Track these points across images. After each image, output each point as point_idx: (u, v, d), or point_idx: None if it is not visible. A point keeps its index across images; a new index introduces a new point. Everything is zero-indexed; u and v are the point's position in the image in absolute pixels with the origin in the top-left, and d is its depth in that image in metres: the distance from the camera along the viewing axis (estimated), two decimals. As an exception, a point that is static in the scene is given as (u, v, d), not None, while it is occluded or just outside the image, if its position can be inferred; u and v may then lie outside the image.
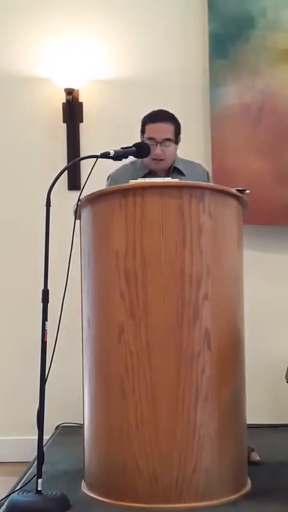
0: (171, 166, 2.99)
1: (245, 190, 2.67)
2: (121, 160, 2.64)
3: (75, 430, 3.30)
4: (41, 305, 2.46)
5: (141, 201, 2.43)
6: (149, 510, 2.32)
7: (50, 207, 2.50)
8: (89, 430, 2.57)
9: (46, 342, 2.42)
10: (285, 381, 3.29)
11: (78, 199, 2.60)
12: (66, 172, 3.47)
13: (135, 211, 2.43)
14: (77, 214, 2.68)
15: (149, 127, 2.92)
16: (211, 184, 2.89)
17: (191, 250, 2.41)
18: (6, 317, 3.97)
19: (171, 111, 2.97)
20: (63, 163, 3.83)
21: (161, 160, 2.92)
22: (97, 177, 2.57)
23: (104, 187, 2.60)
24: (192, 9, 4.04)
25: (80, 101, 4.04)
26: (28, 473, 2.83)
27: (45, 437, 2.57)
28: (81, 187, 2.57)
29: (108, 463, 2.45)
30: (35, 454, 2.44)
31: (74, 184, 3.96)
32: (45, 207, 2.49)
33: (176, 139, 2.95)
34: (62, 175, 2.54)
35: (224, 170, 3.83)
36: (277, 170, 3.92)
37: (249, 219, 2.81)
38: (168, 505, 2.33)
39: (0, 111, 4.06)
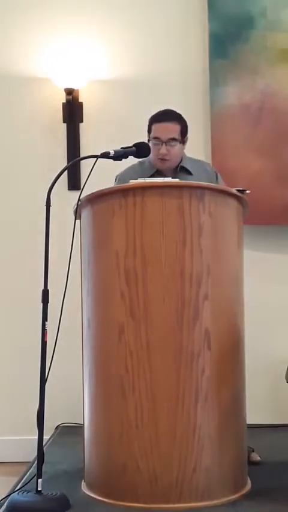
0: (178, 166, 2.99)
1: (245, 190, 2.67)
2: (121, 160, 2.64)
3: (75, 430, 3.30)
4: (41, 305, 2.46)
5: (141, 201, 2.43)
6: (149, 510, 2.32)
7: (50, 207, 2.50)
8: (89, 430, 2.57)
9: (46, 342, 2.42)
10: (285, 381, 3.29)
11: (78, 199, 2.60)
12: (66, 172, 3.47)
13: (135, 211, 2.43)
14: (77, 214, 2.68)
15: (155, 126, 2.92)
16: (211, 184, 2.88)
17: (191, 250, 2.41)
18: (6, 317, 3.97)
19: (172, 111, 2.98)
20: (63, 163, 3.83)
21: (167, 160, 2.92)
22: (97, 177, 2.57)
23: (104, 187, 2.60)
24: (192, 9, 4.04)
25: (80, 101, 4.04)
26: (28, 473, 2.83)
27: (45, 437, 2.57)
28: (81, 187, 2.57)
29: (108, 463, 2.45)
30: (35, 454, 2.44)
31: (74, 184, 3.96)
32: (45, 207, 2.49)
33: (183, 139, 2.95)
34: (62, 175, 2.54)
35: (224, 170, 3.80)
36: (277, 170, 3.92)
37: (249, 219, 2.81)
38: (168, 505, 2.33)
39: (0, 111, 4.06)
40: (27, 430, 3.10)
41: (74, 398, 2.92)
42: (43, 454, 2.40)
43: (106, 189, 2.57)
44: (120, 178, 3.04)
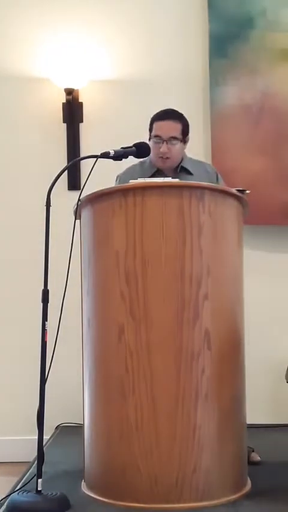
0: (178, 166, 2.99)
1: (245, 190, 2.67)
2: (121, 160, 2.64)
3: (75, 430, 3.30)
4: (41, 305, 2.46)
5: (141, 201, 2.43)
6: (149, 510, 2.32)
7: (50, 207, 2.50)
8: (89, 430, 2.57)
9: (46, 342, 2.42)
10: (285, 381, 3.29)
11: (78, 199, 2.60)
12: (66, 172, 3.47)
13: (135, 211, 2.43)
14: (77, 214, 2.68)
15: (156, 124, 2.92)
16: (211, 184, 2.88)
17: (191, 250, 2.41)
18: (6, 317, 3.97)
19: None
20: (63, 163, 3.83)
21: (167, 158, 2.92)
22: (97, 177, 2.57)
23: (104, 187, 2.60)
24: (192, 9, 4.05)
25: (80, 101, 4.04)
26: (28, 473, 2.83)
27: (45, 437, 2.57)
28: (81, 187, 2.57)
29: (108, 463, 2.45)
30: (35, 454, 2.44)
31: (74, 184, 3.96)
32: (45, 207, 2.49)
33: (184, 139, 2.95)
34: (62, 175, 2.54)
35: (224, 170, 3.80)
36: (277, 170, 3.92)
37: (249, 219, 2.81)
38: (168, 505, 2.33)
39: (0, 111, 4.06)
40: (27, 430, 3.10)
41: (74, 398, 2.92)
42: (43, 454, 2.40)
43: (106, 189, 2.57)
44: (121, 178, 3.04)
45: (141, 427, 2.36)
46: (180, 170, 2.99)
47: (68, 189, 3.95)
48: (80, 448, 2.66)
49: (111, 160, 2.61)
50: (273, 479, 2.74)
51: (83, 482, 2.60)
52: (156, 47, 4.04)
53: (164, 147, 2.89)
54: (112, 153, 2.58)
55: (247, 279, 2.70)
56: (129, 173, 3.01)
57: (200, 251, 2.43)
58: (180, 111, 2.97)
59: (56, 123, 4.04)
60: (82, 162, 3.70)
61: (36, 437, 2.41)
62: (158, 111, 2.98)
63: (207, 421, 2.39)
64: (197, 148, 3.82)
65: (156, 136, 2.90)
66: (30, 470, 2.86)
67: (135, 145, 2.66)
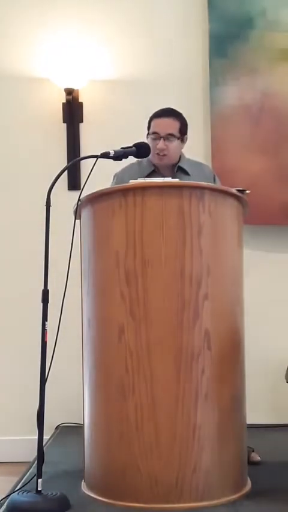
0: (176, 165, 2.99)
1: (245, 190, 2.67)
2: (121, 160, 2.64)
3: (75, 430, 3.31)
4: (41, 305, 2.46)
5: (141, 201, 2.43)
6: (149, 510, 2.32)
7: (50, 207, 2.50)
8: (89, 430, 2.57)
9: (46, 342, 2.42)
10: (285, 381, 3.29)
11: (78, 199, 2.60)
12: (66, 172, 3.48)
13: (135, 211, 2.43)
14: (77, 214, 2.68)
15: (154, 122, 2.93)
16: (211, 184, 2.89)
17: (191, 250, 2.41)
18: (6, 317, 3.97)
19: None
20: (63, 163, 3.83)
21: (164, 155, 2.92)
22: (97, 177, 2.57)
23: (104, 187, 2.60)
24: (192, 9, 4.05)
25: (80, 101, 4.04)
26: (28, 473, 2.83)
27: (45, 437, 2.57)
28: (81, 187, 2.57)
29: (108, 463, 2.45)
30: (35, 454, 2.44)
31: (74, 184, 3.96)
32: (45, 207, 2.49)
33: (182, 138, 2.95)
34: (62, 175, 2.54)
35: (224, 170, 3.82)
36: (277, 170, 3.92)
37: (249, 219, 2.81)
38: (168, 505, 2.33)
39: (0, 111, 4.06)
40: (27, 430, 3.10)
41: (74, 398, 2.92)
42: (43, 454, 2.40)
43: (106, 189, 2.57)
44: (119, 176, 3.04)
45: (141, 427, 2.36)
46: (178, 170, 2.99)
47: (68, 189, 3.95)
48: (80, 448, 2.66)
49: (111, 160, 2.61)
50: (273, 479, 2.74)
51: (83, 482, 2.60)
52: (156, 47, 4.04)
53: (161, 144, 2.89)
54: (112, 153, 2.58)
55: (247, 279, 2.70)
56: (127, 172, 3.01)
57: (200, 251, 2.42)
58: (180, 111, 2.98)
59: (56, 123, 4.04)
60: (82, 162, 3.70)
61: (36, 437, 2.41)
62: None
63: (207, 421, 2.39)
64: (197, 148, 3.83)
65: (154, 133, 2.91)
66: (30, 470, 2.86)
67: (135, 145, 2.66)
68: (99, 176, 2.64)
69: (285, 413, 3.83)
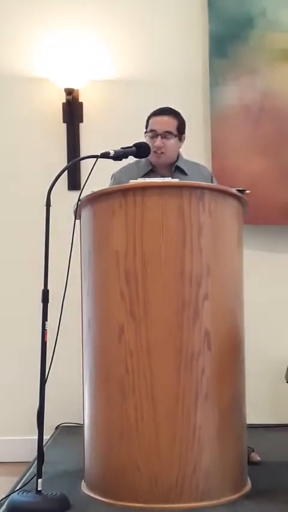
0: (173, 165, 2.99)
1: (245, 190, 2.67)
2: (121, 160, 2.65)
3: (75, 430, 3.31)
4: (41, 305, 2.45)
5: (141, 201, 2.43)
6: (149, 510, 2.32)
7: (50, 207, 2.50)
8: (89, 430, 2.57)
9: (46, 342, 2.42)
10: (285, 381, 3.29)
11: (78, 199, 2.60)
12: (66, 172, 3.48)
13: (135, 211, 2.43)
14: (77, 214, 2.68)
15: (152, 120, 2.94)
16: (211, 184, 2.89)
17: (191, 250, 2.41)
18: (7, 317, 3.97)
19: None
20: (63, 163, 3.83)
21: (161, 153, 2.92)
22: (97, 177, 2.57)
23: (104, 187, 2.60)
24: (192, 9, 4.05)
25: (80, 101, 4.04)
26: (28, 473, 2.83)
27: (45, 437, 2.57)
28: (81, 187, 2.57)
29: (108, 463, 2.45)
30: (35, 454, 2.44)
31: (74, 184, 3.96)
32: (45, 207, 2.49)
33: (180, 136, 2.95)
34: (62, 175, 2.54)
35: (224, 170, 3.82)
36: (277, 170, 3.92)
37: (249, 219, 2.81)
38: (168, 505, 2.33)
39: (0, 111, 4.06)
40: (27, 430, 3.10)
41: (74, 398, 2.92)
42: (43, 454, 2.40)
43: (106, 189, 2.57)
44: (116, 176, 3.04)
45: (141, 427, 2.36)
46: (175, 170, 2.99)
47: (68, 189, 3.95)
48: (80, 448, 2.66)
49: (111, 160, 2.61)
50: (273, 479, 2.74)
51: (83, 482, 2.61)
52: (157, 47, 4.04)
53: (158, 141, 2.89)
54: (112, 153, 2.58)
55: (247, 279, 2.70)
56: (124, 172, 3.01)
57: (200, 251, 2.42)
58: (180, 111, 2.98)
59: (56, 123, 4.04)
60: (82, 162, 3.70)
61: (36, 437, 2.41)
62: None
63: (207, 421, 2.39)
64: (197, 148, 3.83)
65: (151, 131, 2.91)
66: (30, 470, 2.86)
67: (135, 145, 2.66)
68: (99, 176, 2.64)
69: (285, 413, 3.83)
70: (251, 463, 2.81)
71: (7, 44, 4.07)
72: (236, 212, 2.61)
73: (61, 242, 2.62)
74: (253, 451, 2.96)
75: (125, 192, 2.46)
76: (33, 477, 2.49)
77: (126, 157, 2.65)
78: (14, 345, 3.93)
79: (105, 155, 2.57)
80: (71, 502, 2.37)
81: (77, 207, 2.65)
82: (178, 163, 3.00)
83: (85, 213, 2.63)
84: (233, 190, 2.58)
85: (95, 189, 2.53)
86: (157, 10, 4.05)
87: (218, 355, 2.43)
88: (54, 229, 2.54)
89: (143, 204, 2.43)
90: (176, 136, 2.93)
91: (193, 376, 2.38)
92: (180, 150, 3.04)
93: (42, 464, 2.38)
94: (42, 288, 2.47)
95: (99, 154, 2.55)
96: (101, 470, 2.48)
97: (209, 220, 2.46)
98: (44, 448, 2.50)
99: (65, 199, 3.25)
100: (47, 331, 2.43)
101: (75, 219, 2.67)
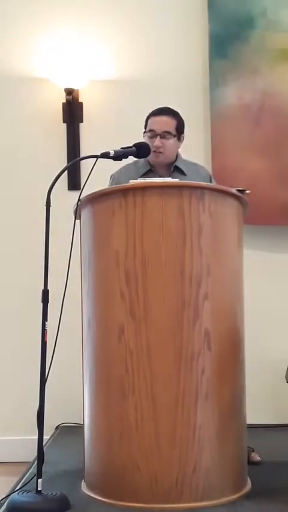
0: (172, 165, 2.99)
1: (245, 190, 2.67)
2: (121, 160, 2.65)
3: (75, 430, 3.31)
4: (41, 305, 2.45)
5: (141, 201, 2.43)
6: (149, 510, 2.32)
7: (50, 207, 2.50)
8: (89, 430, 2.57)
9: (46, 342, 2.42)
10: (285, 381, 3.29)
11: (78, 199, 2.60)
12: (66, 172, 3.48)
13: (135, 211, 2.43)
14: (77, 214, 2.68)
15: (151, 120, 2.94)
16: (211, 184, 2.89)
17: (191, 250, 2.41)
18: (7, 317, 3.97)
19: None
20: (63, 163, 3.84)
21: (160, 153, 2.92)
22: (97, 177, 2.57)
23: (104, 187, 2.60)
24: (192, 9, 4.05)
25: (80, 101, 4.04)
26: (28, 473, 2.83)
27: (45, 437, 2.57)
28: (81, 187, 2.57)
29: (108, 463, 2.45)
30: (35, 454, 2.44)
31: (74, 184, 3.96)
32: (45, 207, 2.49)
33: (179, 136, 2.95)
34: (62, 175, 2.54)
35: (224, 170, 3.82)
36: (277, 170, 3.92)
37: (249, 219, 2.81)
38: (168, 505, 2.33)
39: (0, 111, 4.06)
40: (27, 430, 3.10)
41: (74, 398, 2.92)
42: (43, 454, 2.40)
43: (106, 189, 2.57)
44: (115, 177, 3.04)
45: (141, 427, 2.36)
46: (174, 170, 2.99)
47: (68, 189, 3.95)
48: (80, 448, 2.66)
49: (111, 160, 2.61)
50: (273, 479, 2.74)
51: (83, 482, 2.61)
52: (157, 47, 4.04)
53: (157, 141, 2.89)
54: (112, 153, 2.58)
55: (247, 279, 2.70)
56: (123, 173, 3.01)
57: (200, 251, 2.42)
58: (180, 111, 2.98)
59: (56, 123, 4.04)
60: (82, 162, 3.70)
61: (36, 437, 2.41)
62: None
63: (207, 421, 2.39)
64: (197, 148, 3.83)
65: (150, 130, 2.91)
66: (30, 470, 2.86)
67: (135, 145, 2.66)
68: (99, 176, 2.64)
69: (285, 413, 3.83)
70: (251, 463, 2.81)
71: (7, 44, 4.07)
72: (236, 212, 2.61)
73: (61, 242, 2.62)
74: (253, 451, 2.96)
75: (125, 192, 2.46)
76: (33, 477, 2.49)
77: (126, 157, 2.65)
78: (14, 345, 3.93)
79: (105, 155, 2.57)
80: (71, 502, 2.37)
81: (77, 207, 2.65)
82: (177, 164, 3.00)
83: (85, 213, 2.63)
84: (233, 191, 2.58)
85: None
86: (157, 10, 4.05)
87: (218, 355, 2.43)
88: (54, 229, 2.55)
89: (143, 204, 2.43)
90: (174, 136, 2.93)
91: (193, 376, 2.38)
92: (180, 150, 3.04)
93: (42, 464, 2.38)
94: (42, 288, 2.47)
95: (99, 154, 2.55)
96: (101, 470, 2.48)
97: (209, 220, 2.46)
98: (44, 448, 2.50)
99: (65, 199, 3.25)
100: (47, 331, 2.43)
101: (75, 219, 2.67)
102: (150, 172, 2.98)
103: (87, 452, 2.59)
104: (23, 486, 2.57)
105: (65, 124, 4.04)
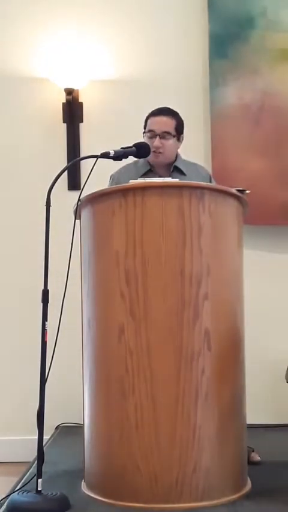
0: (172, 165, 2.99)
1: (245, 190, 2.67)
2: (121, 160, 2.65)
3: (75, 430, 3.31)
4: (41, 305, 2.46)
5: (141, 201, 2.43)
6: (149, 510, 2.32)
7: (50, 207, 2.50)
8: (89, 430, 2.57)
9: (46, 342, 2.42)
10: (285, 381, 3.29)
11: (78, 199, 2.61)
12: (66, 172, 3.48)
13: (135, 211, 2.43)
14: (77, 214, 2.68)
15: (151, 120, 2.94)
16: (211, 184, 2.89)
17: (191, 250, 2.41)
18: (7, 317, 3.97)
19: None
20: (63, 163, 3.84)
21: (160, 153, 2.92)
22: (97, 177, 2.57)
23: (104, 187, 2.60)
24: (192, 9, 4.05)
25: (80, 101, 4.04)
26: (28, 473, 2.83)
27: (45, 437, 2.57)
28: (81, 187, 2.57)
29: (108, 463, 2.45)
30: (35, 454, 2.44)
31: (74, 184, 3.96)
32: (45, 207, 2.49)
33: (178, 136, 2.95)
34: (62, 175, 2.54)
35: (224, 170, 3.82)
36: (277, 170, 3.92)
37: (249, 219, 2.81)
38: (168, 505, 2.33)
39: (0, 111, 4.06)
40: (27, 430, 3.10)
41: (74, 398, 2.92)
42: (43, 454, 2.40)
43: (106, 189, 2.57)
44: (115, 177, 3.05)
45: (141, 427, 2.36)
46: (174, 170, 2.99)
47: (68, 189, 3.95)
48: (80, 448, 2.66)
49: (111, 160, 2.61)
50: (273, 479, 2.74)
51: (83, 482, 2.61)
52: (157, 47, 4.04)
53: (157, 142, 2.89)
54: (112, 153, 2.58)
55: (247, 279, 2.70)
56: (123, 173, 3.01)
57: (200, 251, 2.42)
58: (180, 111, 2.98)
59: (56, 123, 4.04)
60: (82, 162, 3.70)
61: (36, 437, 2.41)
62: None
63: (207, 421, 2.39)
64: (197, 149, 3.83)
65: (150, 131, 2.91)
66: (30, 470, 2.86)
67: (135, 145, 2.66)
68: (99, 176, 2.64)
69: (285, 413, 3.83)
70: (251, 463, 2.81)
71: (7, 44, 4.07)
72: (236, 212, 2.61)
73: (61, 242, 2.62)
74: (253, 451, 2.96)
75: (125, 192, 2.46)
76: (33, 477, 2.49)
77: (126, 157, 2.65)
78: (14, 345, 3.93)
79: (105, 155, 2.57)
80: (71, 502, 2.37)
81: (77, 207, 2.65)
82: (176, 164, 3.00)
83: (85, 213, 2.63)
84: (233, 191, 2.58)
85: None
86: (157, 10, 4.05)
87: (218, 355, 2.43)
88: (54, 229, 2.55)
89: (143, 204, 2.43)
90: (174, 136, 2.93)
91: (193, 376, 2.38)
92: (180, 150, 3.04)
93: (42, 464, 2.39)
94: (42, 288, 2.47)
95: (99, 154, 2.56)
96: (101, 470, 2.48)
97: (209, 220, 2.46)
98: (44, 448, 2.50)
99: (65, 199, 3.25)
100: (47, 331, 2.43)
101: (75, 219, 2.67)
102: (150, 172, 2.98)
103: (87, 452, 2.59)
104: (23, 486, 2.57)
105: (65, 124, 4.04)
